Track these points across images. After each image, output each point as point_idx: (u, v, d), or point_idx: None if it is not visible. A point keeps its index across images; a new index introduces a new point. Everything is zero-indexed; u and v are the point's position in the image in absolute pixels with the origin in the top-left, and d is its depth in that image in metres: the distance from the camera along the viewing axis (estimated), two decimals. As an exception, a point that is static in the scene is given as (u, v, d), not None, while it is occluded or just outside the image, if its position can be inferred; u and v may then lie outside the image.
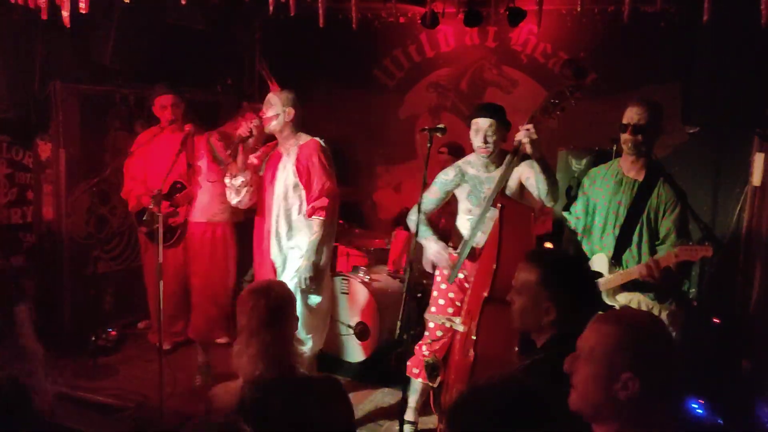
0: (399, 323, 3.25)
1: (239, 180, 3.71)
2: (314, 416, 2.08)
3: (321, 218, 3.62)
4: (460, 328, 3.24)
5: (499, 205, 3.12)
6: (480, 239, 3.35)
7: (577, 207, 3.37)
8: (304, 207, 3.70)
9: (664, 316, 3.11)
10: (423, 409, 3.78)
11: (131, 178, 4.72)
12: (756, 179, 4.51)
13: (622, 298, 3.16)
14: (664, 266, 2.96)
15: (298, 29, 5.55)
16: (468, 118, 3.53)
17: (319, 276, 3.71)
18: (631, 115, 3.12)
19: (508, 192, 3.38)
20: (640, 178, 3.17)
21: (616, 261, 3.15)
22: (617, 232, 3.17)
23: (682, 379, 1.63)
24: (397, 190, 5.99)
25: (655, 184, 3.14)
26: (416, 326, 4.67)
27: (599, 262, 3.19)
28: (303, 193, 3.69)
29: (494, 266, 2.96)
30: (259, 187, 3.82)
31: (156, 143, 4.61)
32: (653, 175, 3.15)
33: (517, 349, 2.78)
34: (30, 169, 4.79)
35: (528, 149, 3.10)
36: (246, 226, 4.77)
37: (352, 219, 5.75)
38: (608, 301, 3.15)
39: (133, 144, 4.72)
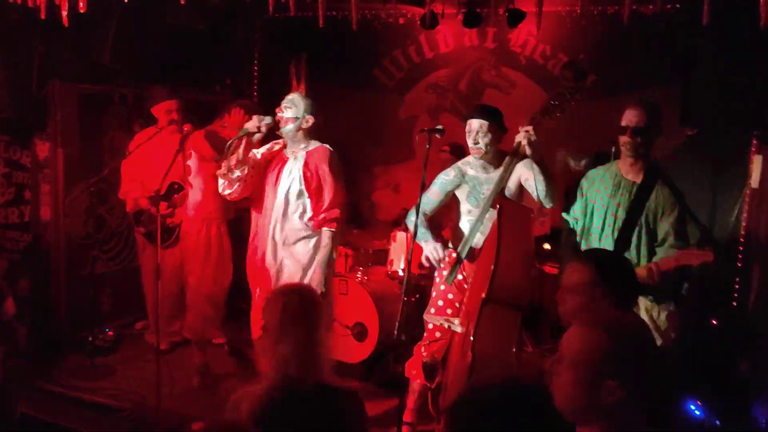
0: (397, 324, 3.25)
1: (236, 174, 3.56)
2: (333, 429, 2.05)
3: (332, 230, 3.56)
4: (459, 329, 3.24)
5: (497, 206, 3.13)
6: (479, 240, 3.35)
7: (576, 208, 3.37)
8: (307, 215, 3.60)
9: (662, 317, 3.11)
10: (421, 411, 3.77)
11: (129, 179, 4.72)
12: (754, 181, 4.52)
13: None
14: (664, 270, 2.96)
15: (298, 30, 5.57)
16: (463, 119, 3.54)
17: (330, 287, 3.69)
18: (630, 117, 3.12)
19: (507, 193, 3.38)
20: (639, 180, 3.17)
21: (614, 263, 3.15)
22: (616, 234, 3.17)
23: (668, 384, 1.63)
24: (395, 191, 5.99)
25: (653, 186, 3.14)
26: (415, 327, 4.67)
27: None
28: (307, 201, 3.58)
29: (493, 267, 2.96)
30: (259, 186, 3.70)
31: (154, 143, 4.60)
32: (652, 177, 3.15)
33: (514, 350, 2.78)
34: (28, 168, 4.78)
35: (528, 151, 3.11)
36: (236, 223, 4.78)
37: (351, 219, 5.74)
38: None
39: (131, 144, 4.72)
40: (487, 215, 3.26)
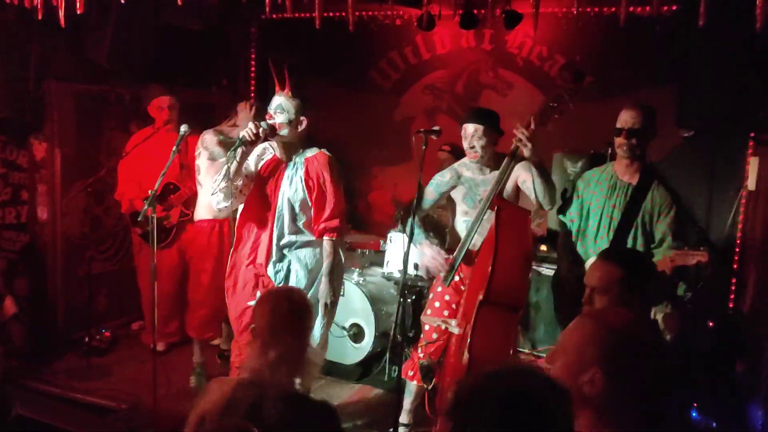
0: (394, 325, 3.25)
1: (237, 184, 3.40)
2: None
3: (333, 239, 3.47)
4: (456, 331, 3.24)
5: (496, 207, 3.13)
6: (476, 242, 3.35)
7: (572, 210, 3.38)
8: (309, 222, 3.49)
9: (659, 318, 3.13)
10: (418, 412, 3.77)
11: (125, 179, 4.72)
12: (750, 183, 4.53)
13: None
14: (660, 270, 2.97)
15: (295, 30, 5.56)
16: (460, 122, 3.54)
17: (337, 297, 3.60)
18: (626, 118, 3.13)
19: (503, 194, 3.38)
20: (635, 182, 3.18)
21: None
22: (611, 235, 3.18)
23: (658, 383, 1.63)
24: (392, 192, 5.99)
25: (649, 187, 3.15)
26: (412, 328, 4.67)
27: (594, 266, 3.19)
28: (310, 208, 3.46)
29: (490, 269, 2.96)
30: (253, 195, 3.53)
31: (151, 144, 4.60)
32: (647, 179, 3.16)
33: (512, 351, 2.79)
34: (24, 168, 4.77)
35: (526, 153, 3.11)
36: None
37: (348, 220, 5.74)
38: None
39: (128, 144, 4.71)
40: (485, 216, 3.27)
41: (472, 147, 3.40)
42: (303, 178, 3.43)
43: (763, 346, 3.78)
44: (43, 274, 4.85)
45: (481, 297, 2.95)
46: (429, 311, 3.59)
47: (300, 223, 3.49)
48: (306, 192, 3.44)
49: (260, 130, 3.30)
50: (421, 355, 3.54)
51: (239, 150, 3.31)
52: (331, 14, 5.22)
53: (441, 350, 3.54)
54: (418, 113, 5.89)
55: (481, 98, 5.62)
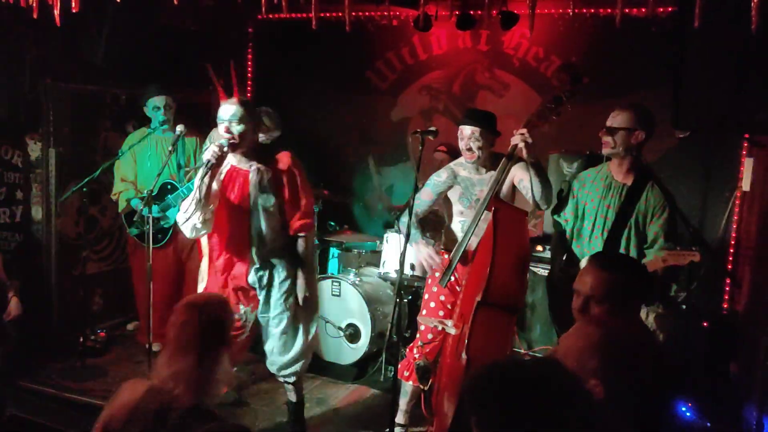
0: (390, 326, 3.25)
1: (210, 208, 3.28)
2: None
3: (305, 235, 3.51)
4: (452, 331, 3.24)
5: (493, 208, 3.13)
6: (473, 242, 3.35)
7: (567, 210, 3.39)
8: (283, 221, 3.48)
9: (651, 318, 3.13)
10: (414, 413, 3.77)
11: (121, 180, 4.71)
12: (745, 184, 4.55)
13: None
14: (652, 270, 2.98)
15: (291, 31, 5.56)
16: (457, 122, 3.55)
17: (314, 290, 3.67)
18: (617, 118, 3.16)
19: (500, 195, 3.38)
20: (629, 182, 3.19)
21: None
22: (606, 235, 3.19)
23: (661, 389, 1.64)
24: (389, 192, 5.99)
25: (643, 188, 3.16)
26: (408, 329, 4.67)
27: (588, 265, 3.20)
28: (282, 208, 3.43)
29: (488, 270, 2.96)
30: (221, 208, 3.41)
31: (147, 144, 4.59)
32: (642, 179, 3.17)
33: (509, 352, 2.78)
34: (20, 168, 4.76)
35: (524, 153, 3.12)
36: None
37: (344, 221, 5.74)
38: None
39: (124, 144, 4.70)
40: (482, 217, 3.27)
41: (469, 148, 3.41)
42: (271, 182, 3.37)
43: (757, 347, 3.79)
44: (38, 274, 4.84)
45: (479, 298, 2.95)
46: (425, 311, 3.59)
47: (275, 226, 3.46)
48: (277, 195, 3.40)
49: (223, 150, 3.19)
50: (417, 356, 3.55)
51: (207, 174, 3.19)
52: (327, 15, 5.22)
53: (437, 350, 3.54)
54: (415, 114, 5.88)
55: (478, 99, 5.62)
